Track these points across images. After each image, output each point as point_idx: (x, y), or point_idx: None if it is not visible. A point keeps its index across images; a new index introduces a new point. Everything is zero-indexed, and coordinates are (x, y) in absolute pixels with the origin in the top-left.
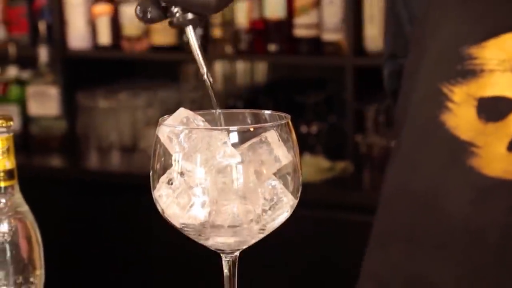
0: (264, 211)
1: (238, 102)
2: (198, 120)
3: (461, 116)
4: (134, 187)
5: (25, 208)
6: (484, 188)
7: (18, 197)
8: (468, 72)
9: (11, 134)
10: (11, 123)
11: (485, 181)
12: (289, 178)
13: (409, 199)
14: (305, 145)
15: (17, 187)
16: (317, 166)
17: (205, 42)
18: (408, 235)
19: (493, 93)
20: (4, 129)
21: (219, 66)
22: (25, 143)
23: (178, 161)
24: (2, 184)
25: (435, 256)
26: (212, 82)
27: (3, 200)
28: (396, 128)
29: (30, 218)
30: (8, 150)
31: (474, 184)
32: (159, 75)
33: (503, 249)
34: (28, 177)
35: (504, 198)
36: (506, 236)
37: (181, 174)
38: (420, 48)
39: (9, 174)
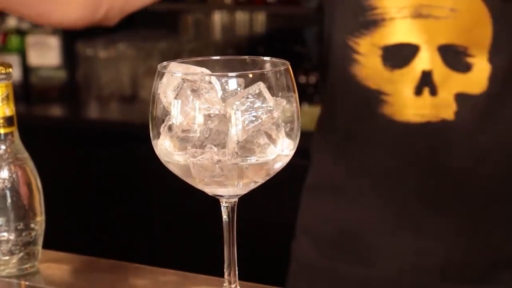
0: (252, 157)
1: (237, 52)
2: (194, 69)
3: (368, 66)
4: (133, 136)
5: (25, 154)
6: (398, 134)
7: (18, 143)
8: (370, 22)
9: (10, 81)
10: (10, 70)
11: (397, 127)
12: (289, 124)
13: (329, 148)
14: (303, 95)
15: (16, 134)
16: (315, 115)
17: None
18: (332, 185)
19: (395, 40)
20: (3, 76)
21: (218, 17)
22: (25, 93)
23: (174, 107)
24: (2, 131)
25: (357, 204)
26: None
27: (3, 147)
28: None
29: (30, 165)
30: (7, 97)
31: (387, 131)
32: (158, 25)
33: (424, 188)
34: (28, 127)
35: (417, 142)
36: (427, 176)
37: (176, 120)
38: (332, 3)
39: (8, 121)
